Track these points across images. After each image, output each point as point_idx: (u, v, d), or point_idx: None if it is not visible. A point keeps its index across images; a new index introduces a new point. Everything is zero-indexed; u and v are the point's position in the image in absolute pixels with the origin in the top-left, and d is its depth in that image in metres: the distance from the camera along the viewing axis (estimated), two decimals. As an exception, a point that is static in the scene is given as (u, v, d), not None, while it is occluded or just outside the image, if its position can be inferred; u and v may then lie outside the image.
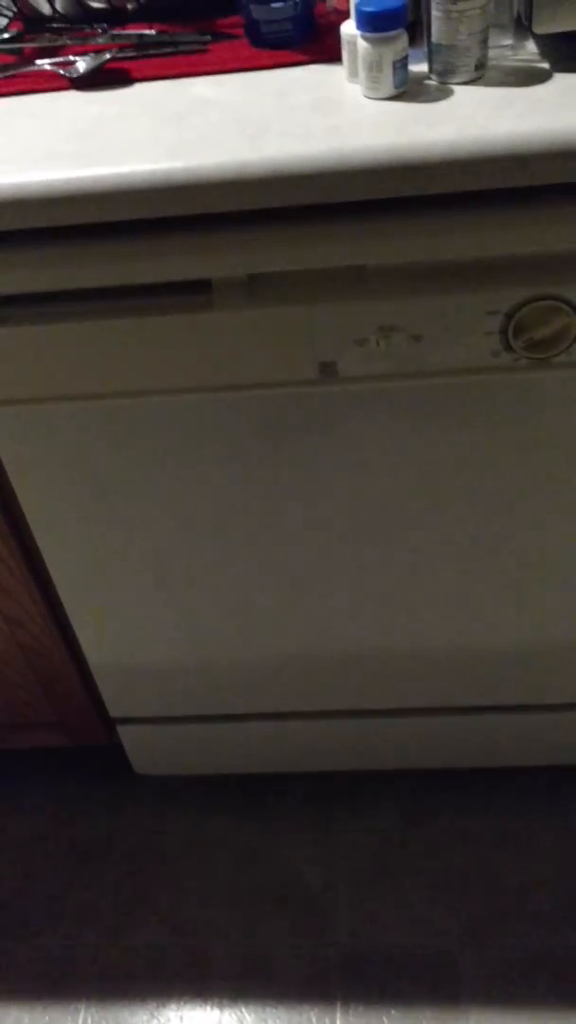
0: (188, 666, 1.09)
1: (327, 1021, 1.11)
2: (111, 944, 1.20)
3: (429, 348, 0.77)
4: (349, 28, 0.73)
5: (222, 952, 1.18)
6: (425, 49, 0.75)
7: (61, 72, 0.82)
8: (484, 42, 0.72)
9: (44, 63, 0.84)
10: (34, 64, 0.84)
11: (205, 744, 1.21)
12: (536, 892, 1.18)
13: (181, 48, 0.85)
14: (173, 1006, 1.14)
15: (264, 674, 1.10)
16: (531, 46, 0.78)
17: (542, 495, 0.88)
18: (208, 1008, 1.13)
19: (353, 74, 0.76)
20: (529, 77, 0.73)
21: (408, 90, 0.74)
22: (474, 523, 0.91)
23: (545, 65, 0.75)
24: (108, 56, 0.82)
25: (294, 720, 1.18)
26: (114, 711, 1.17)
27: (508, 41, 0.77)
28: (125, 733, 1.20)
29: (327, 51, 0.81)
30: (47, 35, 0.89)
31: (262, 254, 0.74)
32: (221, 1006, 1.13)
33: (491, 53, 0.77)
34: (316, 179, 0.68)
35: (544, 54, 0.77)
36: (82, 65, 0.82)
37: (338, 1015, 1.11)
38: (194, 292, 0.77)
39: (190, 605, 1.02)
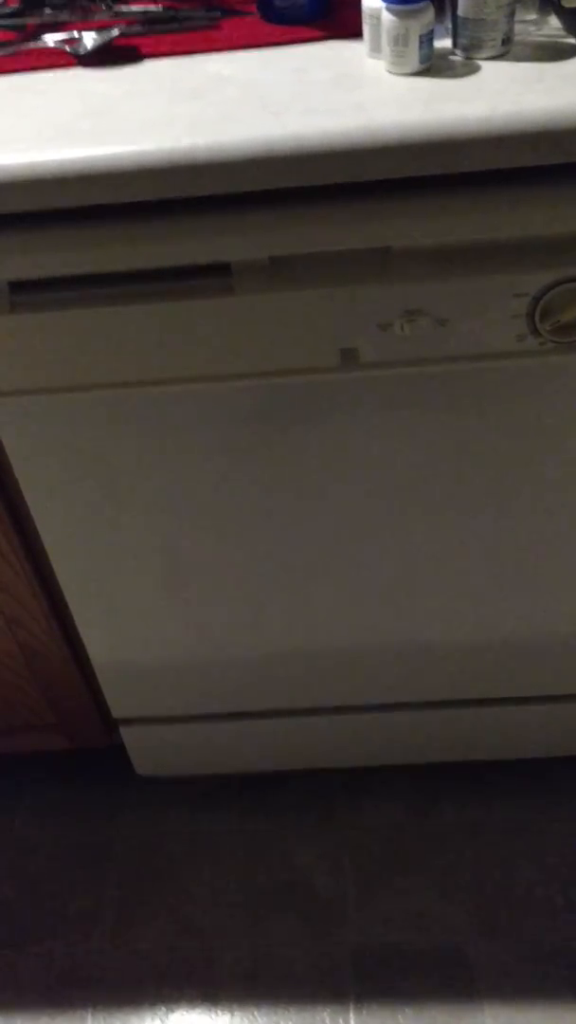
0: (192, 663, 1.06)
1: (340, 1021, 1.09)
2: (116, 949, 1.17)
3: (454, 332, 0.75)
4: (372, 1, 0.71)
5: (230, 954, 1.16)
6: (448, 24, 0.73)
7: (67, 49, 0.79)
8: (511, 16, 0.70)
9: (48, 39, 0.81)
10: (37, 40, 0.81)
11: (207, 744, 1.19)
12: (547, 883, 1.17)
13: (188, 24, 0.82)
14: (183, 1010, 1.11)
15: (269, 670, 1.08)
16: (554, 21, 0.76)
17: (569, 482, 0.86)
18: (218, 1011, 1.11)
19: (375, 49, 0.74)
20: (556, 52, 0.72)
21: (432, 66, 0.72)
22: (498, 512, 0.89)
23: (572, 40, 0.73)
24: (116, 32, 0.79)
25: (297, 717, 1.16)
26: (117, 712, 1.14)
27: (532, 16, 0.75)
28: (128, 734, 1.17)
29: (343, 26, 0.79)
30: (47, 10, 0.85)
31: (284, 236, 0.71)
32: (231, 1009, 1.11)
33: (516, 28, 0.75)
34: (345, 156, 0.66)
35: (569, 29, 0.75)
36: (89, 41, 0.79)
37: (351, 1014, 1.09)
38: (213, 276, 0.74)
39: (197, 601, 0.99)
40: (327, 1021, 1.09)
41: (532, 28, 0.75)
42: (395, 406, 0.81)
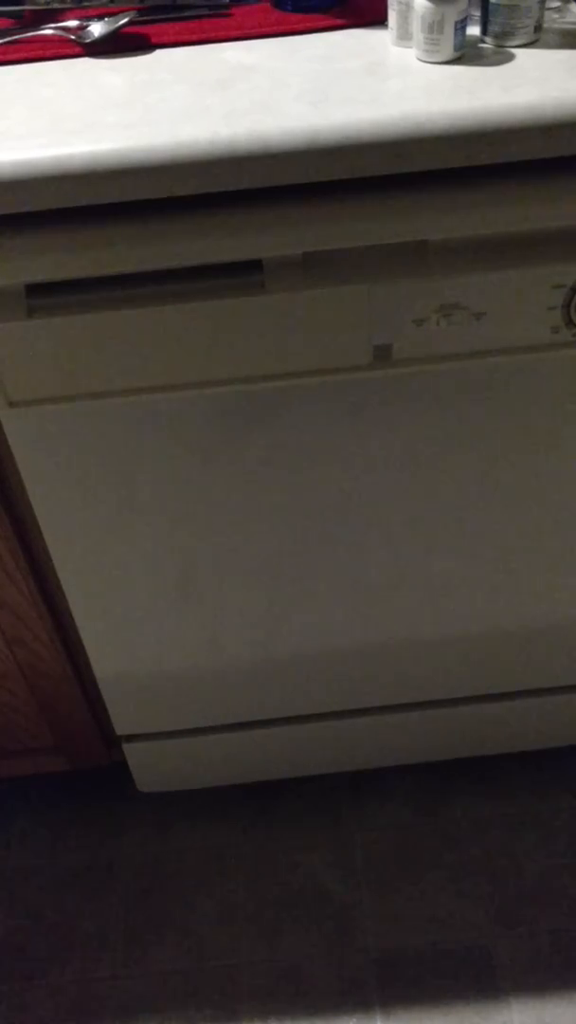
0: (198, 674, 1.03)
1: (368, 1029, 1.07)
2: (129, 974, 1.13)
3: (490, 326, 0.74)
4: (403, -13, 0.69)
5: (248, 969, 1.13)
6: (478, 12, 0.71)
7: (72, 37, 0.75)
8: (543, 2, 0.69)
9: (50, 28, 0.76)
10: (39, 29, 0.76)
11: (211, 756, 1.15)
12: (561, 874, 1.17)
13: (194, 13, 0.78)
14: (204, 1032, 1.08)
15: (274, 677, 1.05)
16: (575, 8, 0.75)
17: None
18: (241, 1030, 1.08)
19: (402, 37, 0.71)
20: (588, 39, 0.71)
21: (465, 54, 0.70)
22: (533, 506, 0.88)
23: (598, 27, 0.72)
24: (125, 20, 0.75)
25: (300, 723, 1.13)
26: (120, 728, 1.10)
27: (556, 3, 0.74)
28: (131, 751, 1.13)
29: (360, 14, 0.77)
30: (42, -2, 0.81)
31: (317, 231, 0.69)
32: (255, 1025, 1.08)
33: (541, 16, 0.74)
34: (393, 147, 0.63)
35: (592, 17, 0.74)
36: (96, 30, 0.75)
37: (379, 1022, 1.07)
38: (244, 274, 0.71)
39: (206, 610, 0.96)
40: (355, 1030, 1.07)
41: (556, 16, 0.74)
42: (427, 403, 0.79)
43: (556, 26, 0.73)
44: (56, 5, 0.78)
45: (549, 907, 1.15)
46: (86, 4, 0.79)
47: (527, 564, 0.94)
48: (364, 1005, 1.09)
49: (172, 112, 0.66)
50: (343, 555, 0.91)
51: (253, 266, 0.71)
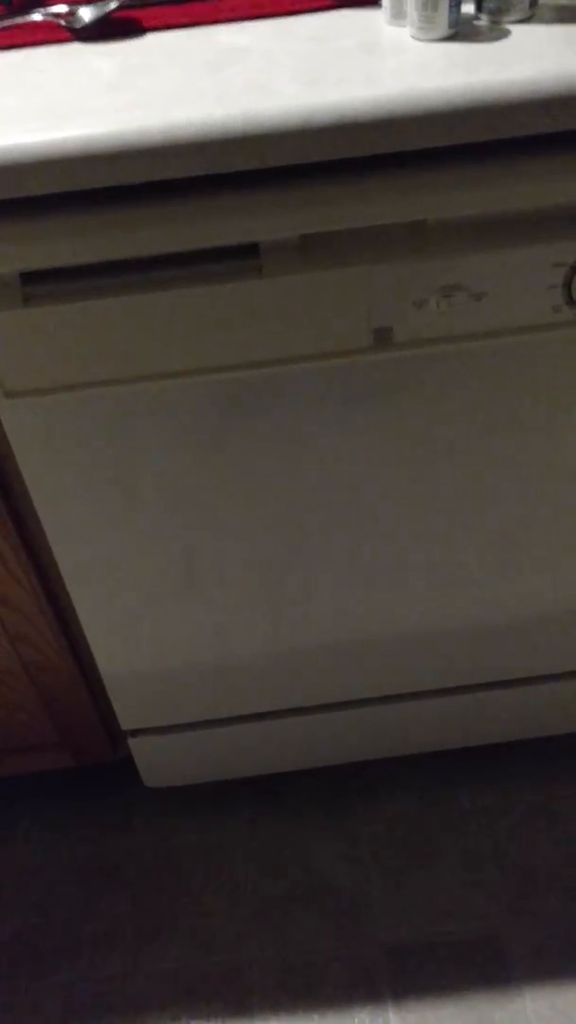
0: (202, 666, 1.02)
1: (380, 1021, 1.06)
2: (138, 971, 1.12)
3: (490, 306, 0.73)
4: (396, -36, 0.68)
5: (258, 964, 1.12)
6: (473, -12, 0.70)
7: (62, 23, 0.74)
8: (538, -23, 0.68)
9: (38, 13, 0.75)
10: (27, 15, 0.75)
11: (216, 749, 1.15)
12: (572, 861, 1.17)
13: (187, -4, 0.78)
14: (215, 1027, 1.07)
15: (279, 668, 1.04)
16: (571, -16, 0.74)
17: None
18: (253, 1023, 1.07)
19: (396, 16, 0.71)
20: (584, 14, 0.70)
21: (459, 31, 0.69)
22: (536, 489, 0.87)
23: (595, 2, 0.72)
24: (114, 4, 0.74)
25: (307, 714, 1.13)
26: (126, 723, 1.09)
27: (550, -22, 0.73)
28: (136, 746, 1.12)
29: (353, -5, 0.76)
30: (30, -15, 0.80)
31: (314, 213, 0.68)
32: (265, 1020, 1.07)
33: (534, -9, 0.73)
34: (390, 126, 0.63)
35: (588, -8, 0.73)
36: (86, 14, 0.74)
37: (391, 1013, 1.07)
38: (240, 258, 0.70)
39: (211, 602, 0.95)
40: (368, 1022, 1.06)
41: (551, -10, 0.73)
42: (429, 386, 0.78)
43: (552, 1, 0.72)
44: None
45: (560, 895, 1.14)
46: (76, -10, 0.78)
47: (531, 548, 0.93)
48: (375, 997, 1.08)
49: (165, 95, 0.65)
50: (345, 543, 0.90)
51: (250, 250, 0.70)
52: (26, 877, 1.21)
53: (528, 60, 0.65)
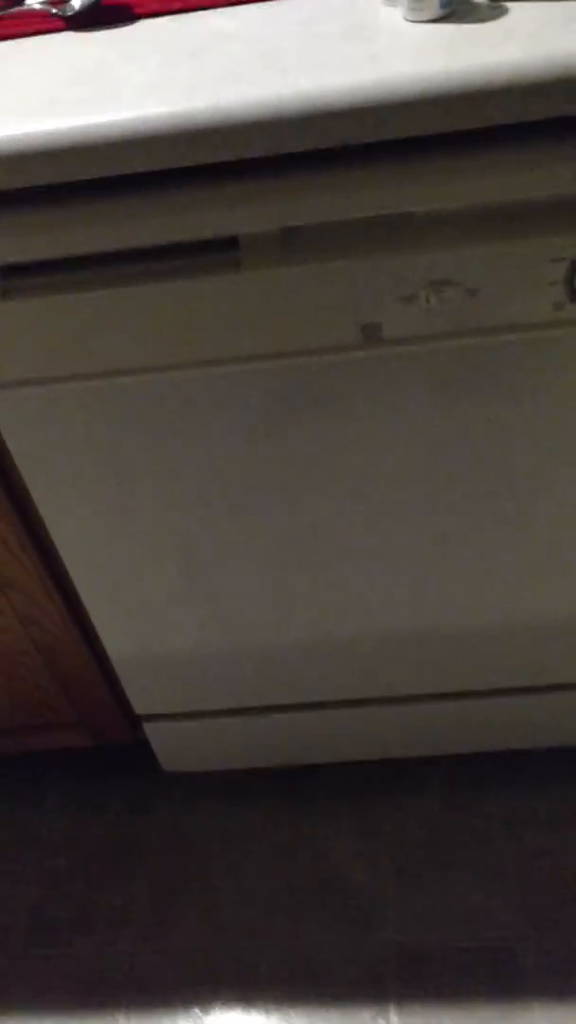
0: (212, 656, 1.02)
1: (381, 1022, 1.05)
2: (148, 948, 1.14)
3: (486, 303, 0.69)
4: None
5: (266, 953, 1.12)
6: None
7: (53, 11, 0.73)
8: (541, -51, 0.63)
9: (33, 2, 0.75)
10: (21, 4, 0.75)
11: (234, 738, 1.14)
12: (595, 876, 1.12)
13: (187, -22, 0.75)
14: (217, 1011, 1.08)
15: (291, 661, 1.03)
16: (586, -45, 0.69)
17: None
18: (254, 1013, 1.07)
19: (390, -5, 0.67)
20: (591, -11, 0.65)
21: (455, 11, 0.65)
22: (532, 492, 0.83)
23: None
24: (107, -11, 0.73)
25: (325, 709, 1.11)
26: (139, 708, 1.10)
27: (563, -51, 0.68)
28: (151, 730, 1.13)
29: (354, -27, 0.72)
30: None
31: (295, 205, 0.65)
32: (267, 1011, 1.07)
33: (543, -36, 0.68)
34: (361, 114, 0.59)
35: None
36: (77, 2, 0.73)
37: (393, 1015, 1.05)
38: (219, 251, 0.68)
39: (214, 590, 0.94)
40: (368, 1023, 1.05)
41: (563, -38, 0.68)
42: (423, 383, 0.75)
43: (561, -25, 0.67)
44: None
45: (580, 909, 1.10)
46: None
47: (540, 552, 0.89)
48: (380, 997, 1.07)
49: (138, 85, 0.64)
50: (341, 540, 0.88)
51: (229, 243, 0.68)
52: (49, 850, 1.24)
53: (518, 41, 0.60)
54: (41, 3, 0.74)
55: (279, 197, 0.65)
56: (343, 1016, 1.06)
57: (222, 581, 0.93)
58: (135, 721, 1.15)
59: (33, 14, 0.74)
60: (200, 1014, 1.08)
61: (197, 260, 0.68)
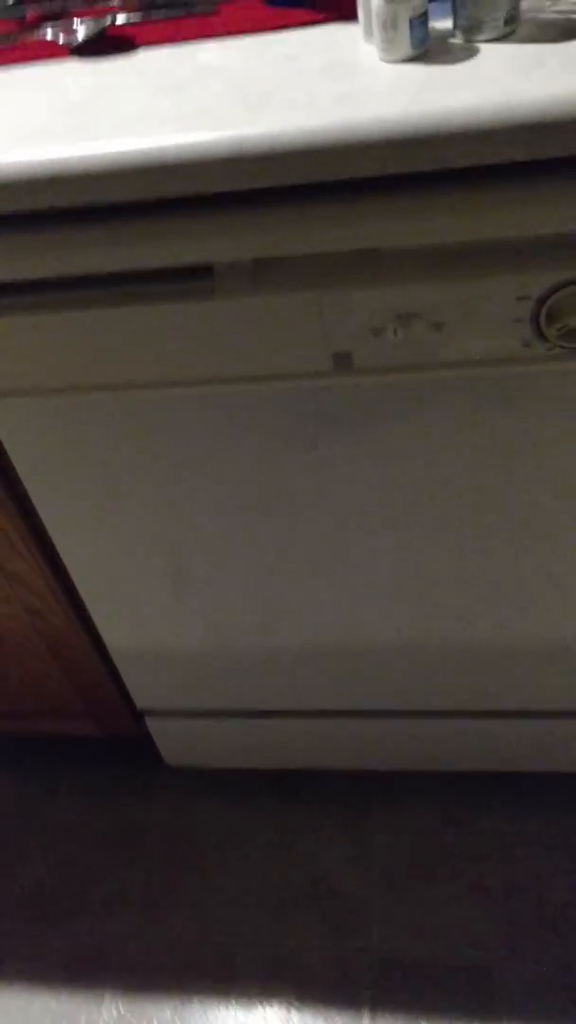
0: (212, 658, 1.05)
1: (354, 1028, 1.07)
2: (140, 936, 1.18)
3: (452, 337, 0.70)
4: (363, -18, 0.66)
5: (250, 950, 1.15)
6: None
7: (60, 40, 0.77)
8: (514, -8, 0.64)
9: (46, 30, 0.78)
10: (35, 32, 0.78)
11: (234, 739, 1.18)
12: (579, 905, 1.12)
13: (187, 10, 0.78)
14: (197, 1002, 1.11)
15: (288, 670, 1.05)
16: (574, -6, 0.69)
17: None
18: (231, 1006, 1.11)
19: (368, 34, 0.69)
20: (565, 32, 0.65)
21: (429, 50, 0.66)
22: (503, 520, 0.84)
23: (586, 17, 0.66)
24: (107, 21, 0.76)
25: (325, 718, 1.13)
26: (140, 703, 1.14)
27: (548, -10, 0.69)
28: (153, 725, 1.17)
29: (348, 8, 0.74)
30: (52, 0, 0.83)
31: (267, 236, 0.67)
32: (245, 1005, 1.11)
33: (526, 4, 0.69)
34: (320, 154, 0.61)
35: (587, 4, 0.68)
36: (81, 32, 0.76)
37: (366, 1023, 1.07)
38: (194, 278, 0.71)
39: (207, 596, 0.97)
40: (339, 1027, 1.07)
41: (547, 3, 0.69)
42: (394, 412, 0.76)
43: (542, 16, 0.67)
44: (54, 7, 0.80)
45: (563, 937, 1.10)
46: (91, 4, 0.81)
47: (513, 578, 0.89)
48: (354, 1003, 1.09)
49: (118, 118, 0.67)
50: (321, 554, 0.90)
51: (204, 271, 0.71)
52: (57, 833, 1.30)
53: (477, 86, 0.61)
54: (52, 32, 0.78)
55: (252, 229, 0.67)
56: (317, 1018, 1.08)
57: (214, 587, 0.96)
58: (139, 714, 1.20)
59: (42, 42, 0.78)
60: (180, 1003, 1.12)
61: (174, 286, 0.71)
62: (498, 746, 1.14)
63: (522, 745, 1.13)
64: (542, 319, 0.68)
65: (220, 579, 0.94)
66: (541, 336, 0.70)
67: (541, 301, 0.68)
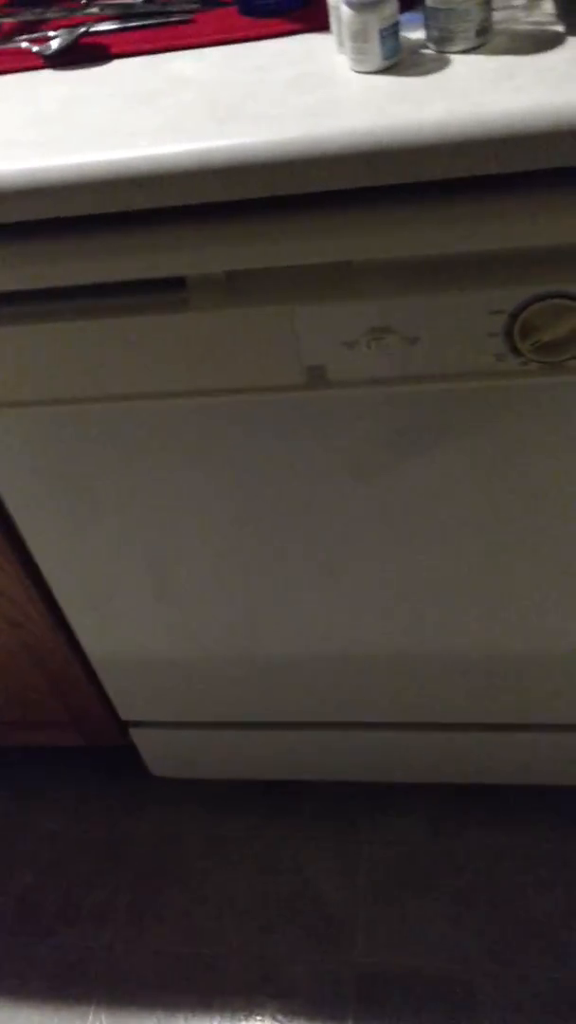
0: (196, 670, 1.04)
1: (337, 1043, 1.06)
2: (124, 948, 1.18)
3: (426, 351, 0.70)
4: (333, -7, 0.65)
5: (234, 963, 1.14)
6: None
7: (34, 49, 0.76)
8: (486, 3, 0.63)
9: (21, 40, 0.78)
10: (11, 41, 0.78)
11: (220, 750, 1.17)
12: (567, 919, 1.11)
13: (164, 20, 0.78)
14: (181, 1016, 1.11)
15: (269, 681, 1.04)
16: (547, 6, 0.69)
17: (554, 505, 0.79)
18: (216, 1019, 1.10)
19: (341, 45, 0.68)
20: (538, 43, 0.64)
21: (400, 61, 0.66)
22: (478, 534, 0.83)
23: (560, 28, 0.66)
24: (81, 31, 0.76)
25: (311, 730, 1.12)
26: (125, 714, 1.13)
27: (520, 1, 0.68)
28: (138, 736, 1.16)
29: (324, 18, 0.73)
30: (31, 8, 0.83)
31: (240, 249, 0.67)
32: (230, 1018, 1.10)
33: (500, 15, 0.68)
34: (286, 167, 0.61)
35: (562, 14, 0.67)
36: (56, 42, 0.76)
37: (349, 1037, 1.06)
38: (168, 291, 0.70)
39: (188, 606, 0.96)
40: (323, 1042, 1.06)
41: (521, 14, 0.68)
42: (370, 425, 0.76)
43: (515, 27, 0.67)
44: (31, 17, 0.80)
45: (546, 953, 1.09)
46: (69, 14, 0.80)
47: (506, 589, 0.88)
48: (337, 1017, 1.08)
49: (89, 130, 0.66)
50: (300, 566, 0.89)
51: (177, 283, 0.70)
52: (42, 842, 1.29)
53: (447, 99, 0.60)
54: (27, 41, 0.77)
55: (225, 241, 0.67)
56: (300, 1032, 1.07)
57: (195, 597, 0.95)
58: (124, 725, 1.19)
59: (17, 52, 0.77)
60: (164, 1017, 1.11)
61: (146, 299, 0.70)
62: (486, 759, 1.13)
63: (510, 758, 1.12)
64: (516, 333, 0.68)
65: (201, 589, 0.94)
66: (515, 350, 0.69)
67: (514, 315, 0.67)
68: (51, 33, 0.77)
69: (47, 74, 0.75)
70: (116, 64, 0.75)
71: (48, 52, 0.75)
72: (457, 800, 1.24)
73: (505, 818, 1.21)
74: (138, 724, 1.15)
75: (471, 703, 1.04)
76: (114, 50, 0.76)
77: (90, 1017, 1.12)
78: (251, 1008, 1.10)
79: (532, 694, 1.02)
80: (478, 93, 0.60)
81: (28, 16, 0.81)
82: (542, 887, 1.14)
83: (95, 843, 1.28)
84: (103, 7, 0.80)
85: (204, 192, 0.62)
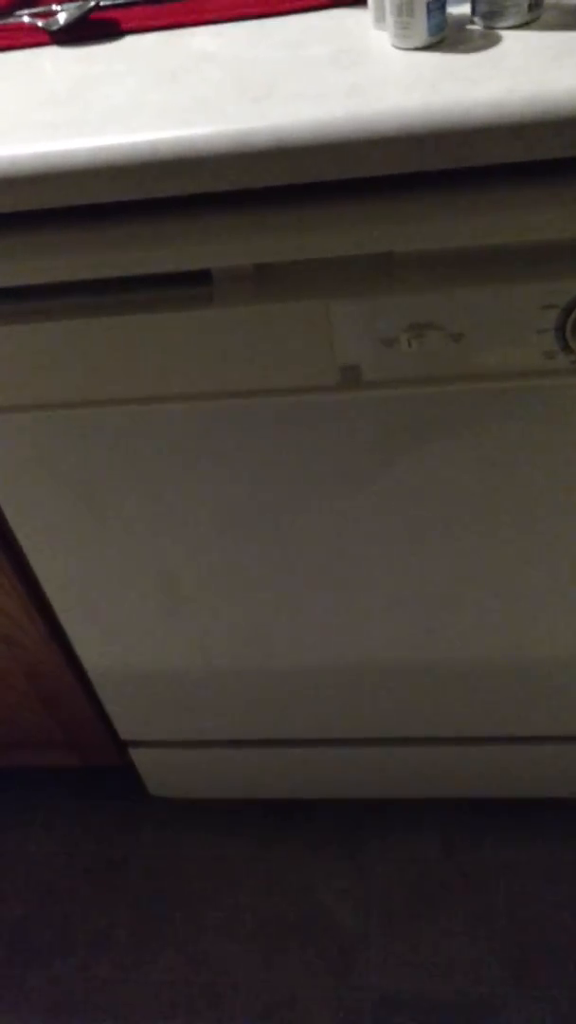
0: (199, 686, 0.99)
1: (355, 1073, 1.01)
2: (125, 976, 1.12)
3: (471, 349, 0.65)
4: (374, -38, 0.61)
5: (241, 990, 1.09)
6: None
7: (40, 24, 0.70)
8: (540, -24, 0.59)
9: (24, 15, 0.72)
10: (12, 16, 0.72)
11: (222, 769, 1.12)
12: (587, 936, 1.07)
13: (180, -7, 0.72)
14: (189, 1050, 1.05)
15: (282, 696, 1.00)
16: (598, -20, 0.64)
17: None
18: (226, 1053, 1.05)
19: (380, 19, 0.63)
20: (595, 18, 0.60)
21: (446, 38, 0.61)
22: (519, 542, 0.79)
23: (615, 3, 0.61)
24: (92, 4, 0.70)
25: (318, 747, 1.08)
26: (124, 734, 1.07)
27: (571, -26, 0.64)
28: (137, 756, 1.11)
29: (350, -8, 0.69)
30: (29, -18, 0.77)
31: (270, 240, 0.62)
32: (240, 1051, 1.05)
33: (548, -10, 0.63)
34: (332, 150, 0.56)
35: (614, -11, 0.63)
36: (63, 16, 0.70)
37: (367, 1068, 1.02)
38: (191, 285, 0.65)
39: (195, 620, 0.91)
40: (340, 1073, 1.02)
41: (571, -12, 0.63)
42: (404, 429, 0.71)
43: (566, 1, 0.62)
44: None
45: (570, 971, 1.05)
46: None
47: (530, 599, 0.84)
48: (354, 1048, 1.03)
49: (108, 110, 0.61)
50: (320, 576, 0.84)
51: (202, 276, 0.65)
52: (36, 866, 1.23)
53: (504, 76, 0.56)
54: (31, 16, 0.72)
55: (254, 232, 0.62)
56: (315, 1063, 1.03)
57: (203, 610, 0.90)
58: (122, 744, 1.13)
59: (20, 27, 0.72)
60: (171, 1048, 1.06)
61: (169, 293, 0.65)
62: (500, 773, 1.09)
63: (525, 771, 1.08)
64: (568, 330, 0.63)
65: (211, 601, 0.88)
66: (566, 348, 0.65)
67: (567, 311, 0.63)
68: (56, 7, 0.71)
69: (54, 51, 0.70)
70: (129, 40, 0.69)
71: (54, 27, 0.70)
72: (469, 816, 1.20)
73: (518, 833, 1.17)
74: (137, 743, 1.10)
75: (484, 715, 1.00)
76: (125, 26, 0.70)
77: (92, 1053, 1.07)
78: (262, 1039, 1.05)
79: (549, 705, 0.98)
80: (537, 71, 0.56)
81: (28, -10, 0.75)
82: (561, 903, 1.10)
83: (92, 868, 1.22)
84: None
85: (240, 178, 0.57)
